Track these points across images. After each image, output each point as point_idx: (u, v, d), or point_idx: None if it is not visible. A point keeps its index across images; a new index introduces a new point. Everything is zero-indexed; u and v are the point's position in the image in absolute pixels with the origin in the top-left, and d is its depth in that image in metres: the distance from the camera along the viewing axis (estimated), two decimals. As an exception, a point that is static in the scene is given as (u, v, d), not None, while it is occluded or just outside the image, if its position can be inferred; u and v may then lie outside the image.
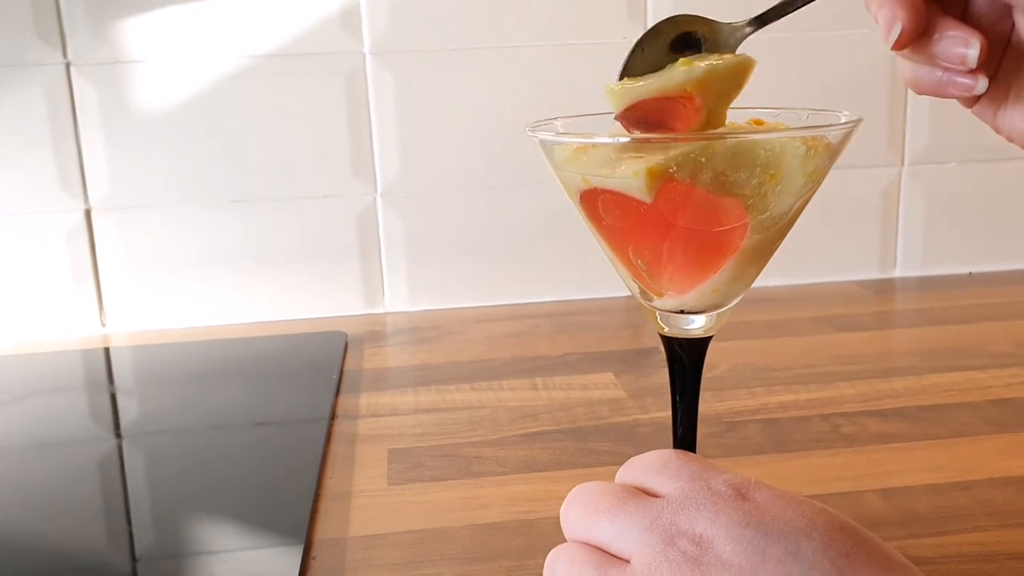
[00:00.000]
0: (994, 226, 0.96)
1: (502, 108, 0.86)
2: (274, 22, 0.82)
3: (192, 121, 0.83)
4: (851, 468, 0.55)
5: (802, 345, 0.77)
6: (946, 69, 0.36)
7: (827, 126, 0.34)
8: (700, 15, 0.38)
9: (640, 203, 0.33)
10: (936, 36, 0.35)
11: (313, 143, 0.85)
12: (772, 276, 0.92)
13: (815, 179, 0.35)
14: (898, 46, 0.35)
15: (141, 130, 0.83)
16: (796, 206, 0.35)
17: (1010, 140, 0.39)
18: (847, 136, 0.35)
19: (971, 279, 0.95)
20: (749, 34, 0.38)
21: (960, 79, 0.36)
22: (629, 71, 0.36)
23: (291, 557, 0.47)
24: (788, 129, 0.35)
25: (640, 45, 0.37)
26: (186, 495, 0.55)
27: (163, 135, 0.83)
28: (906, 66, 0.38)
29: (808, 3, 0.37)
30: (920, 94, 0.38)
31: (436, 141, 0.87)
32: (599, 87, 0.39)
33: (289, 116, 0.85)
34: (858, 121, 0.35)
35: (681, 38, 0.37)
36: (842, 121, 0.35)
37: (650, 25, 0.84)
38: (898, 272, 0.96)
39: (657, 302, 0.38)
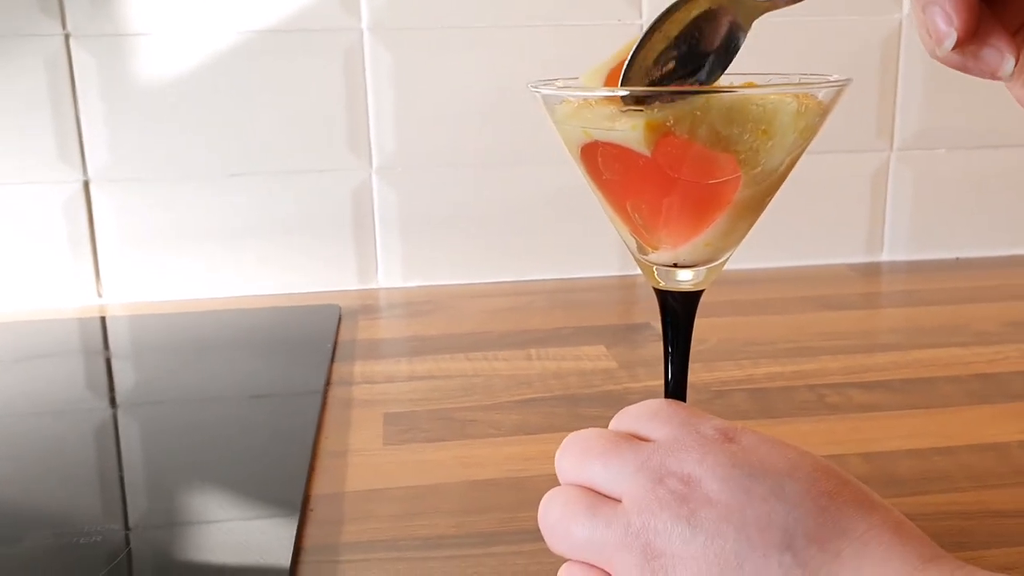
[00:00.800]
0: (982, 212, 0.97)
1: (498, 86, 0.87)
2: (274, -3, 0.83)
3: (190, 95, 0.84)
4: (835, 434, 0.56)
5: (789, 322, 0.78)
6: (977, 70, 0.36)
7: (817, 84, 0.36)
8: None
9: (639, 156, 0.34)
10: (976, 43, 0.34)
11: (310, 118, 0.86)
12: (762, 258, 0.94)
13: (805, 136, 0.36)
14: (946, 55, 0.34)
15: (140, 102, 0.84)
16: (787, 162, 0.36)
17: None
18: (836, 95, 0.37)
19: (957, 264, 0.96)
20: (768, 8, 0.37)
21: (981, 73, 0.35)
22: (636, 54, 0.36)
23: (290, 511, 0.48)
24: (781, 85, 0.37)
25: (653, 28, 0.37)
26: (182, 463, 0.55)
27: (162, 108, 0.84)
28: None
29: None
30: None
31: (432, 118, 0.88)
32: (592, 66, 0.40)
33: (286, 91, 0.86)
34: (847, 81, 0.37)
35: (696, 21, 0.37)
36: (832, 79, 0.36)
37: (646, 7, 0.86)
38: (885, 256, 0.97)
39: (653, 256, 0.39)
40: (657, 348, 0.71)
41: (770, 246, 0.94)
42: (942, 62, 0.37)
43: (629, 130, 0.33)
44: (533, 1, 0.86)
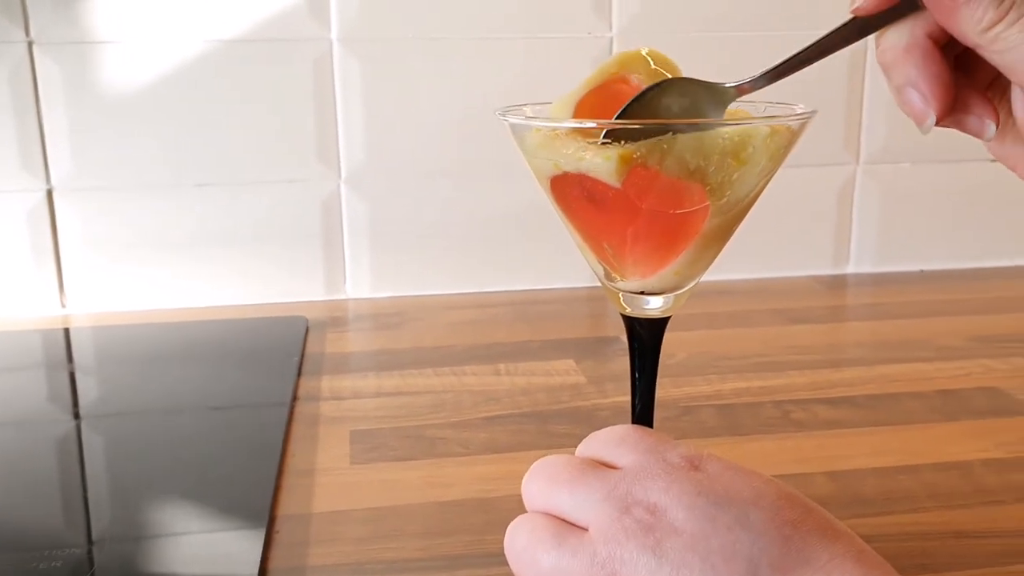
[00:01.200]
0: (946, 225, 0.98)
1: (468, 98, 0.87)
2: (242, 6, 0.83)
3: (157, 104, 0.83)
4: (800, 451, 0.57)
5: (757, 336, 0.79)
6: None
7: (783, 116, 0.36)
8: (696, 78, 0.38)
9: (608, 188, 0.34)
10: (956, 114, 0.35)
11: (278, 128, 0.86)
12: (730, 270, 0.95)
13: (772, 166, 0.36)
14: (929, 131, 0.35)
15: (105, 111, 0.83)
16: (753, 192, 0.37)
17: (1011, 169, 0.40)
18: (802, 126, 0.37)
19: (923, 276, 0.97)
20: (748, 90, 0.37)
21: (970, 133, 0.36)
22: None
23: (255, 532, 0.47)
24: (748, 118, 0.37)
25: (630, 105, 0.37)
26: (147, 476, 0.55)
27: (127, 117, 0.83)
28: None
29: (808, 64, 0.36)
30: None
31: (401, 129, 0.87)
32: (563, 81, 0.40)
33: (255, 101, 0.85)
34: (812, 112, 0.37)
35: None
36: (798, 112, 0.36)
37: (615, 20, 0.86)
38: (851, 268, 0.98)
39: (620, 283, 0.39)
40: (626, 362, 0.72)
41: (738, 258, 0.94)
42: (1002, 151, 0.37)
43: (601, 162, 0.33)
44: (503, 14, 0.86)
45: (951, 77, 0.34)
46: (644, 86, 0.36)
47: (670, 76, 0.37)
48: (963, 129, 0.36)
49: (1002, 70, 0.34)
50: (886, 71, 0.35)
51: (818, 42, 0.36)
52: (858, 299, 0.92)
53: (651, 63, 0.37)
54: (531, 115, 0.39)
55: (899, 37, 0.35)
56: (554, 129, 0.35)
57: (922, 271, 0.98)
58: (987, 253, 1.00)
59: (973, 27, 0.32)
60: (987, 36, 0.32)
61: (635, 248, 0.36)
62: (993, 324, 0.81)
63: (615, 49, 0.88)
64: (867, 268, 0.98)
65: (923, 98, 0.34)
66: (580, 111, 0.36)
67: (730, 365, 0.71)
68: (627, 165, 0.33)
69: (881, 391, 0.66)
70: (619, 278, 0.39)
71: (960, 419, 0.61)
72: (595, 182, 0.34)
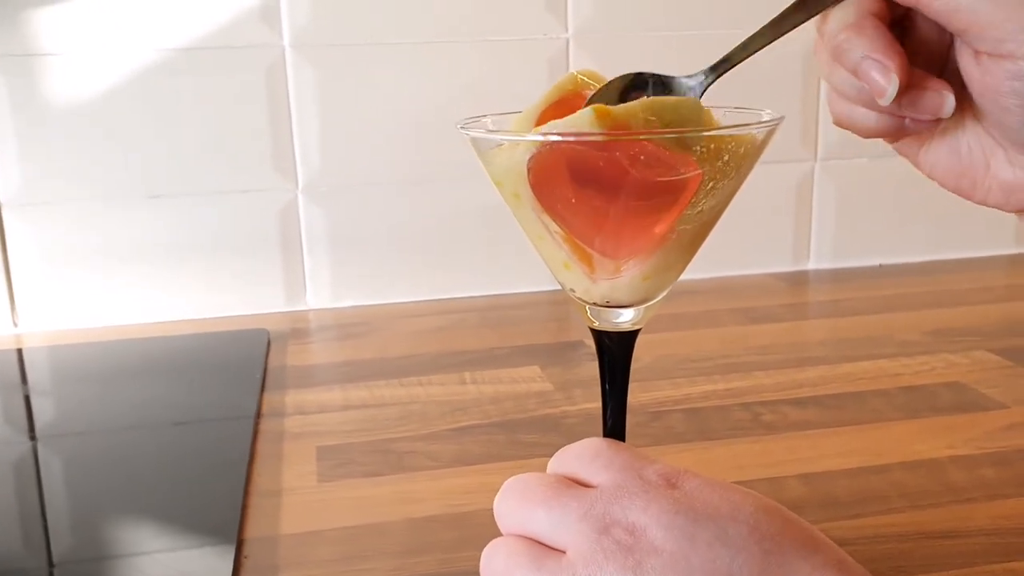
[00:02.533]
0: (903, 219, 0.99)
1: (424, 102, 0.86)
2: (192, 15, 0.81)
3: (107, 115, 0.82)
4: (771, 455, 0.57)
5: (721, 336, 0.79)
6: (913, 119, 0.37)
7: (753, 124, 0.36)
8: (656, 72, 0.39)
9: (596, 155, 0.33)
10: (911, 92, 0.35)
11: (233, 137, 0.84)
12: (691, 269, 0.94)
13: (743, 173, 0.36)
14: (891, 101, 0.35)
15: (54, 124, 0.81)
16: (725, 196, 0.36)
17: (931, 177, 0.41)
18: (770, 133, 0.37)
19: (881, 270, 0.98)
20: (706, 83, 0.38)
21: (923, 116, 0.36)
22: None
23: (223, 556, 0.46)
24: (720, 127, 0.36)
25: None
26: (107, 497, 0.54)
27: (77, 129, 0.81)
28: (859, 113, 0.38)
29: (758, 50, 0.37)
30: (866, 137, 0.39)
31: (358, 136, 0.86)
32: (520, 82, 0.40)
33: (208, 110, 0.83)
34: (780, 119, 0.37)
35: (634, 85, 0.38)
36: (765, 119, 0.36)
37: (571, 21, 0.86)
38: (811, 264, 0.99)
39: (590, 290, 0.38)
40: (592, 368, 0.71)
41: (699, 257, 0.94)
42: (876, 134, 0.38)
43: (581, 114, 0.33)
44: (458, 16, 0.85)
45: (902, 48, 0.35)
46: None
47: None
48: (918, 110, 0.36)
49: (953, 29, 0.35)
50: (839, 55, 0.36)
51: (768, 25, 0.38)
52: (819, 295, 0.92)
53: (592, 81, 0.37)
54: (493, 128, 0.38)
55: (844, 17, 0.36)
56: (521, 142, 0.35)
57: (880, 265, 0.99)
58: (943, 246, 1.01)
59: None
60: None
61: (621, 228, 0.35)
62: (951, 317, 0.82)
63: (571, 49, 0.88)
64: (827, 264, 0.99)
65: (882, 67, 0.35)
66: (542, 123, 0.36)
67: (697, 367, 0.71)
68: (605, 117, 0.32)
69: (846, 390, 0.66)
70: (589, 280, 0.38)
71: (926, 416, 0.62)
72: (582, 153, 0.33)
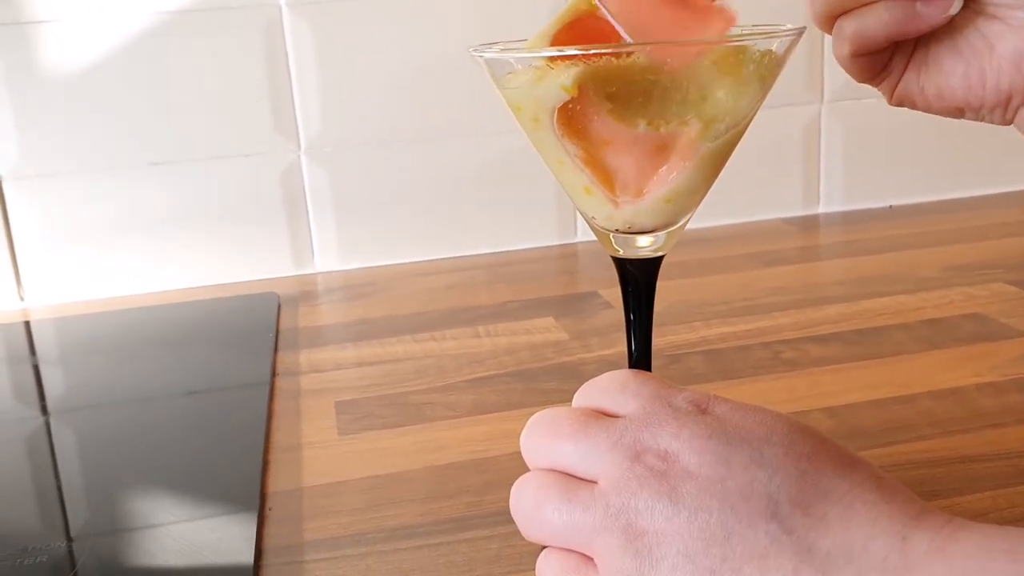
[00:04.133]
0: (912, 159, 0.98)
1: (424, 57, 0.85)
2: (185, -24, 0.79)
3: (104, 82, 0.80)
4: (795, 391, 0.56)
5: (736, 280, 0.78)
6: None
7: (775, 34, 0.35)
8: None
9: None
10: None
11: (232, 100, 0.83)
12: (701, 217, 0.93)
13: (765, 88, 0.35)
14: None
15: (50, 94, 0.80)
16: (748, 115, 0.35)
17: (941, 99, 0.40)
18: (791, 45, 0.36)
19: (891, 212, 0.97)
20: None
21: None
22: None
23: (247, 512, 0.45)
24: (744, 37, 0.35)
25: None
26: (125, 468, 0.53)
27: (74, 98, 0.80)
28: (873, 16, 0.37)
29: None
30: (876, 47, 0.38)
31: (359, 94, 0.85)
32: (520, 32, 0.38)
33: (206, 73, 0.82)
34: (802, 29, 0.36)
35: None
36: (786, 28, 0.35)
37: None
38: (822, 208, 0.98)
39: (613, 215, 0.37)
40: (607, 317, 0.71)
41: (708, 204, 0.92)
42: (887, 34, 0.37)
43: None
44: (456, -32, 0.84)
45: None
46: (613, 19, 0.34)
47: None
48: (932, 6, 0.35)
49: None
50: None
51: None
52: (831, 238, 0.91)
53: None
54: (504, 48, 0.37)
55: None
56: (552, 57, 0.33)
57: (891, 206, 0.98)
58: (954, 185, 1.00)
59: None
60: None
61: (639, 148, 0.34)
62: (967, 253, 0.81)
63: None
64: (837, 207, 0.98)
65: None
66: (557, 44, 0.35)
67: (713, 311, 0.70)
68: None
69: (867, 325, 0.65)
70: (612, 205, 0.37)
71: (949, 347, 0.61)
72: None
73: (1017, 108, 0.39)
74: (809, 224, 0.95)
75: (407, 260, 0.89)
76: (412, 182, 0.88)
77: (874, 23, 0.37)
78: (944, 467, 0.46)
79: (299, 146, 0.85)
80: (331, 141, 0.86)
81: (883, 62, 0.40)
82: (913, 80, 0.40)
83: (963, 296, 0.70)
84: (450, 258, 0.89)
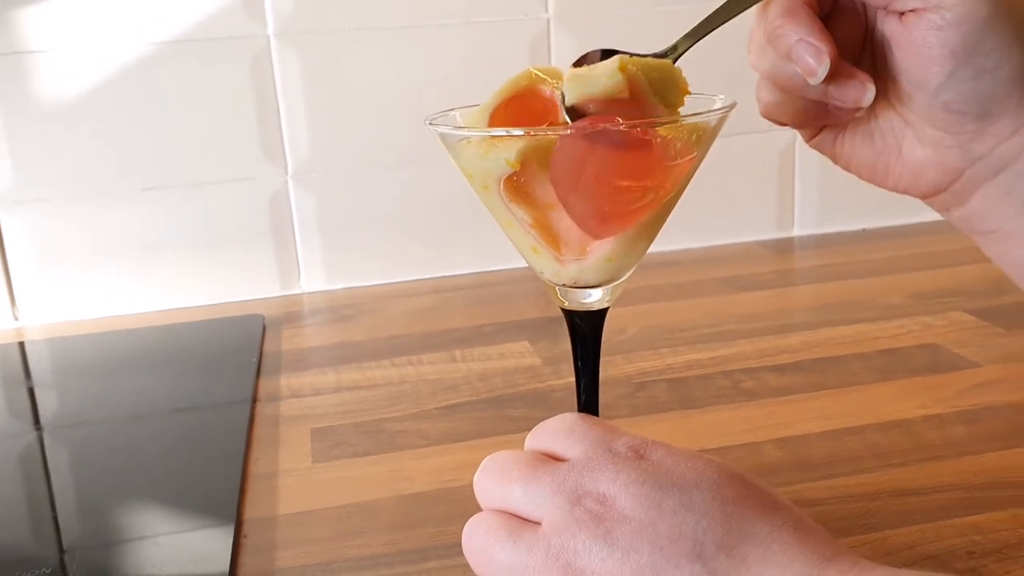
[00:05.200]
0: (883, 183, 1.00)
1: (409, 86, 0.88)
2: (176, 7, 0.82)
3: (97, 110, 0.83)
4: (751, 421, 0.59)
5: (706, 306, 0.80)
6: (836, 107, 0.39)
7: (706, 112, 0.37)
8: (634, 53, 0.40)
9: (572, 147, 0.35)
10: (837, 79, 0.38)
11: (221, 127, 0.86)
12: (677, 239, 0.96)
13: (699, 157, 0.38)
14: (820, 81, 0.37)
15: (45, 121, 0.82)
16: (682, 183, 0.38)
17: (847, 168, 0.44)
18: (722, 119, 0.38)
19: (864, 235, 1.00)
20: (674, 55, 0.40)
21: (847, 103, 0.39)
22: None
23: (222, 537, 0.48)
24: (676, 119, 0.38)
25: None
26: (112, 484, 0.56)
27: (68, 125, 0.83)
28: (785, 101, 0.40)
29: (722, 24, 0.39)
30: (793, 125, 0.42)
31: (345, 121, 0.88)
32: (503, 63, 0.41)
33: (196, 101, 0.85)
34: (732, 104, 0.38)
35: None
36: (717, 107, 0.38)
37: (551, 1, 0.87)
38: (796, 231, 1.00)
39: (559, 272, 0.40)
40: (579, 342, 0.73)
41: (685, 227, 0.96)
42: (800, 121, 0.40)
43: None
44: (440, 0, 0.86)
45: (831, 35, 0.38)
46: (557, 95, 0.37)
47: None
48: (843, 96, 0.38)
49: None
50: (774, 39, 0.38)
51: (724, 6, 0.40)
52: (803, 262, 0.94)
53: (547, 76, 0.39)
54: (460, 125, 0.40)
55: (781, 4, 0.38)
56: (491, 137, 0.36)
57: (864, 230, 1.01)
58: (926, 209, 1.02)
59: None
60: None
61: (590, 198, 0.37)
62: (933, 279, 0.83)
63: (552, 29, 0.89)
64: (811, 230, 1.00)
65: (815, 50, 0.37)
66: (496, 121, 0.38)
67: (681, 337, 0.73)
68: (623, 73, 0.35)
69: (826, 355, 0.68)
70: (559, 264, 0.40)
71: (901, 377, 0.63)
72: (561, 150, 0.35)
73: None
74: (783, 247, 0.97)
75: (390, 280, 0.92)
76: (396, 205, 0.91)
77: (790, 108, 0.40)
78: (881, 500, 0.48)
79: (287, 171, 0.88)
80: (318, 166, 0.88)
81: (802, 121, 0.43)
82: (828, 142, 0.43)
83: (921, 325, 0.72)
84: (432, 278, 0.92)
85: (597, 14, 0.89)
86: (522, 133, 0.35)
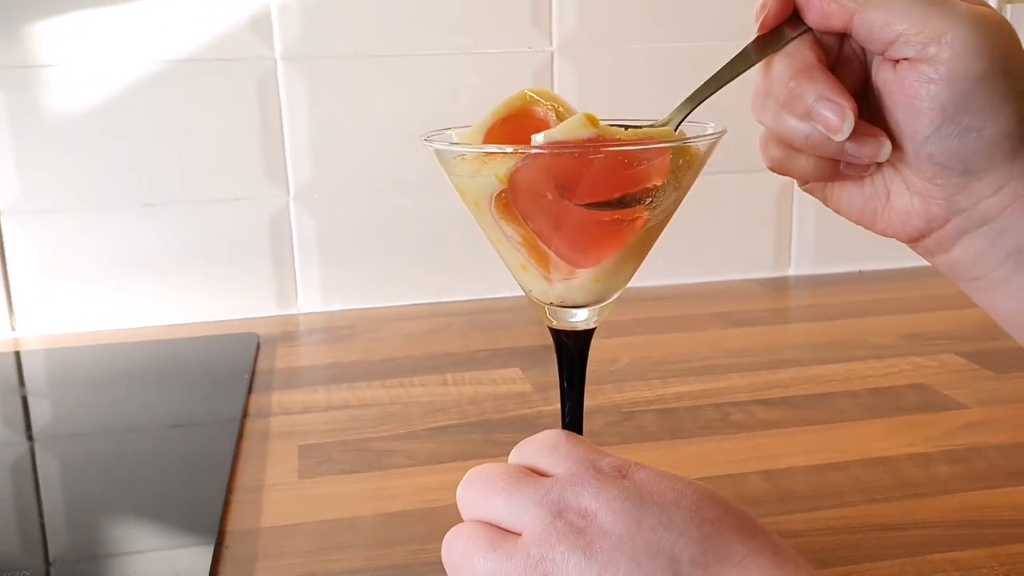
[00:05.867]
0: (881, 226, 1.01)
1: (412, 113, 0.89)
2: (186, 27, 0.83)
3: (103, 125, 0.84)
4: (737, 452, 0.59)
5: (699, 340, 0.81)
6: (849, 164, 0.40)
7: (695, 138, 0.38)
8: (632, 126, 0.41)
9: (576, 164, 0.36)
10: (856, 136, 0.38)
11: (225, 147, 0.87)
12: (675, 274, 0.97)
13: (688, 183, 0.38)
14: (845, 138, 0.37)
15: (51, 134, 0.83)
16: (670, 207, 0.38)
17: (837, 211, 0.44)
18: (712, 145, 0.39)
19: (860, 277, 1.00)
20: (671, 124, 0.40)
21: (863, 159, 0.39)
22: None
23: (204, 548, 0.48)
24: (667, 141, 0.39)
25: None
26: (101, 496, 0.56)
27: (74, 139, 0.84)
28: (797, 159, 0.41)
29: (720, 88, 0.40)
30: (800, 180, 0.42)
31: (348, 144, 0.89)
32: (506, 94, 0.42)
33: (201, 120, 0.86)
34: (722, 132, 0.39)
35: None
36: (708, 133, 0.38)
37: (555, 34, 0.88)
38: (792, 271, 1.01)
39: (547, 291, 0.41)
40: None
41: (683, 263, 0.97)
42: (811, 178, 0.41)
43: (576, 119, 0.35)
44: (445, 29, 0.88)
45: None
46: (551, 116, 0.38)
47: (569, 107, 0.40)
48: (859, 154, 0.39)
49: (883, 41, 0.37)
50: (791, 101, 0.38)
51: (719, 72, 0.40)
52: (798, 301, 0.95)
53: (541, 98, 0.40)
54: (456, 140, 0.41)
55: (790, 64, 0.38)
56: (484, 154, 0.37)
57: (860, 272, 1.01)
58: (923, 252, 1.03)
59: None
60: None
61: (575, 235, 0.37)
62: (925, 322, 0.84)
63: (556, 62, 0.90)
64: (807, 270, 1.01)
65: (838, 107, 0.37)
66: (490, 140, 0.38)
67: (672, 369, 0.73)
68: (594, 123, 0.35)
69: (816, 391, 0.68)
70: (547, 283, 0.40)
71: (889, 416, 0.64)
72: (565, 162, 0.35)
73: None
74: (779, 286, 0.98)
75: (388, 304, 0.92)
76: (396, 229, 0.91)
77: (802, 166, 0.41)
78: (862, 534, 0.48)
79: (288, 192, 0.89)
80: (319, 188, 0.89)
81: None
82: (819, 186, 0.44)
83: (912, 366, 0.73)
84: (429, 303, 0.93)
85: (599, 48, 0.90)
86: (512, 150, 0.36)
